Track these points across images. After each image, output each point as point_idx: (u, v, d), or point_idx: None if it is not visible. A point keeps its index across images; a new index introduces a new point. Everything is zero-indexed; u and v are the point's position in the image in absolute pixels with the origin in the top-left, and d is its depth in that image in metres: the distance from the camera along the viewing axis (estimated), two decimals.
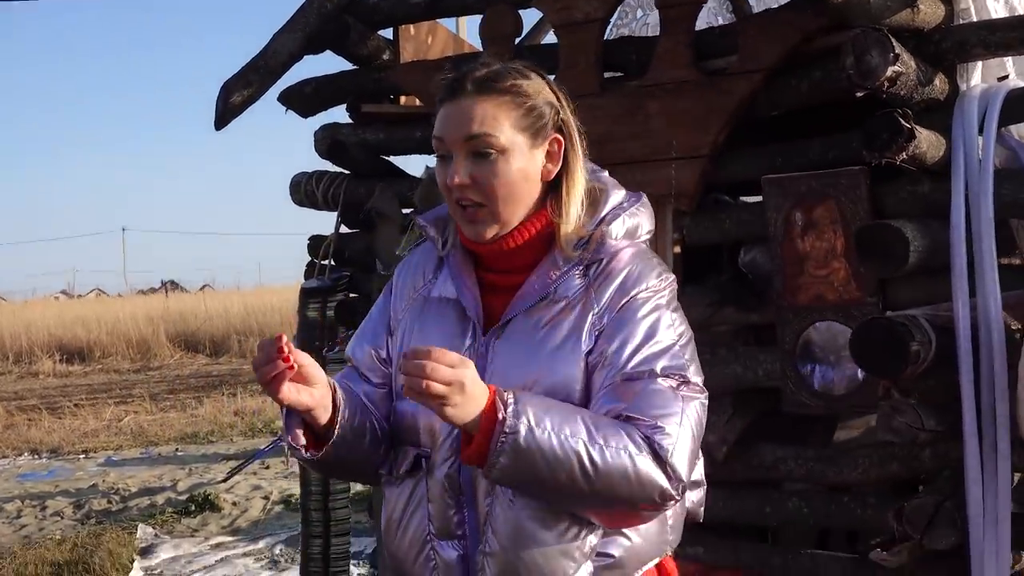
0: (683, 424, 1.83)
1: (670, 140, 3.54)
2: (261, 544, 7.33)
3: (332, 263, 4.63)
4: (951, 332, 3.00)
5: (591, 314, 1.91)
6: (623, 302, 1.92)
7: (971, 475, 3.00)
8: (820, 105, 3.47)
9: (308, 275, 4.70)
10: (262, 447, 10.17)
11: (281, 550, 7.13)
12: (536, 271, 1.96)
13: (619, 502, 1.81)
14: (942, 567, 3.15)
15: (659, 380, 1.85)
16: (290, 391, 1.81)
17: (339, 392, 1.92)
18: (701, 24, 3.73)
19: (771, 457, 3.48)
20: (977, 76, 3.31)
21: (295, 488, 8.43)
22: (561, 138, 1.98)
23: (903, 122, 2.92)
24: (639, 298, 1.92)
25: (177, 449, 11.44)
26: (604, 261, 1.96)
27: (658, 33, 3.67)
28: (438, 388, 1.68)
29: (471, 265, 2.03)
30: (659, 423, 1.80)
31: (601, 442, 1.76)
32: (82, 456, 11.27)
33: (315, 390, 1.85)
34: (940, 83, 3.17)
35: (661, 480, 1.78)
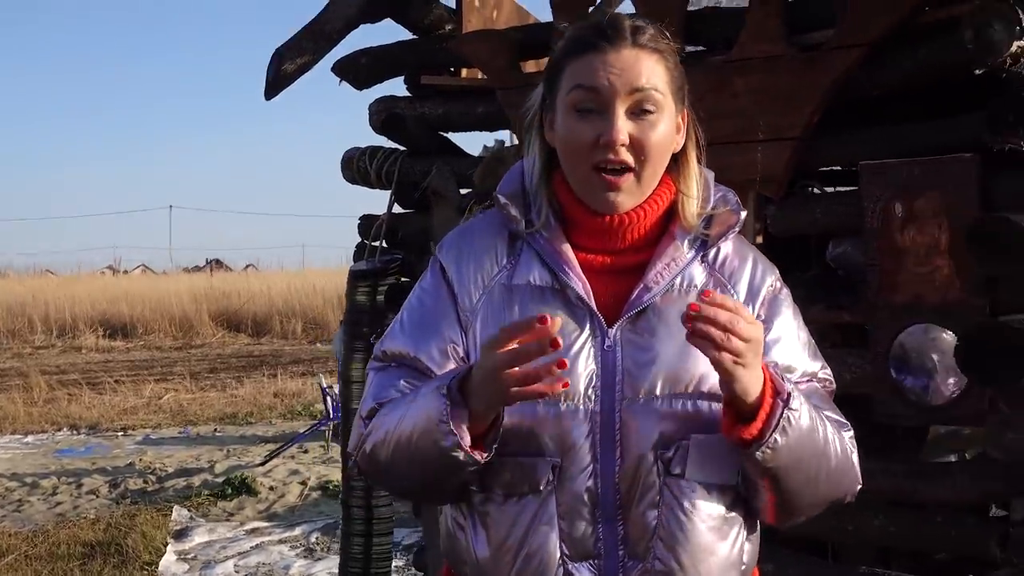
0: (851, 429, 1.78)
1: (757, 120, 3.26)
2: (297, 531, 7.15)
3: (384, 244, 4.39)
4: None
5: None
6: (763, 296, 1.79)
7: None
8: (925, 85, 3.16)
9: (358, 257, 4.45)
10: (301, 431, 10.02)
11: (317, 538, 6.95)
12: (657, 253, 1.76)
13: (832, 495, 1.75)
14: None
15: (816, 384, 1.80)
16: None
17: None
18: None
19: None
20: None
21: (333, 474, 8.25)
22: (687, 111, 1.80)
23: None
24: (777, 293, 1.82)
25: (216, 429, 11.31)
26: (720, 249, 1.80)
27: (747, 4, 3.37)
28: (739, 344, 1.52)
29: (568, 245, 1.78)
30: (845, 423, 1.77)
31: (835, 429, 1.71)
32: (120, 434, 11.17)
33: None
34: None
35: (858, 478, 1.77)
